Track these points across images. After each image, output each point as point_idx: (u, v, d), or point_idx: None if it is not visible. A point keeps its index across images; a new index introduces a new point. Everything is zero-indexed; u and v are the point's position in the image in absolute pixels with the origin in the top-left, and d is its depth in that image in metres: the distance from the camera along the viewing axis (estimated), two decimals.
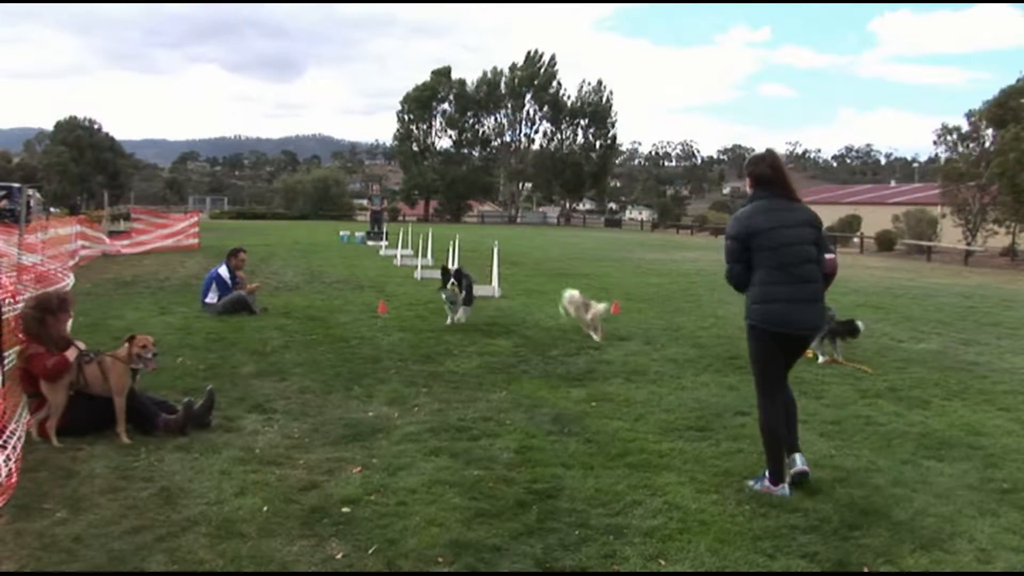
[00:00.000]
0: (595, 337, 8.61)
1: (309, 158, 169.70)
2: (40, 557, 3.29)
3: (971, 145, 33.37)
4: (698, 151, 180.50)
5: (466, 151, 70.38)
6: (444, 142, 70.48)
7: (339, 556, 3.38)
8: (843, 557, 3.49)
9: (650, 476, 4.39)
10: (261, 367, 6.92)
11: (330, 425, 5.23)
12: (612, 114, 70.12)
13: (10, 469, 3.88)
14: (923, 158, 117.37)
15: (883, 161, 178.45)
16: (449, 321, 9.44)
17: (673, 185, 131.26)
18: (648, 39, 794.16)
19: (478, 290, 12.33)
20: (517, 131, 71.16)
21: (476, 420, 5.42)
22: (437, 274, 13.49)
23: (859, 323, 8.08)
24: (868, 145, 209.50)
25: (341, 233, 29.02)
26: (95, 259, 17.70)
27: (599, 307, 8.83)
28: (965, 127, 33.53)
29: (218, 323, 9.08)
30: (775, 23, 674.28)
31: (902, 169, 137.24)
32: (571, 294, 9.15)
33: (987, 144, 32.35)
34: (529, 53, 69.94)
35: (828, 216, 27.88)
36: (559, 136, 70.75)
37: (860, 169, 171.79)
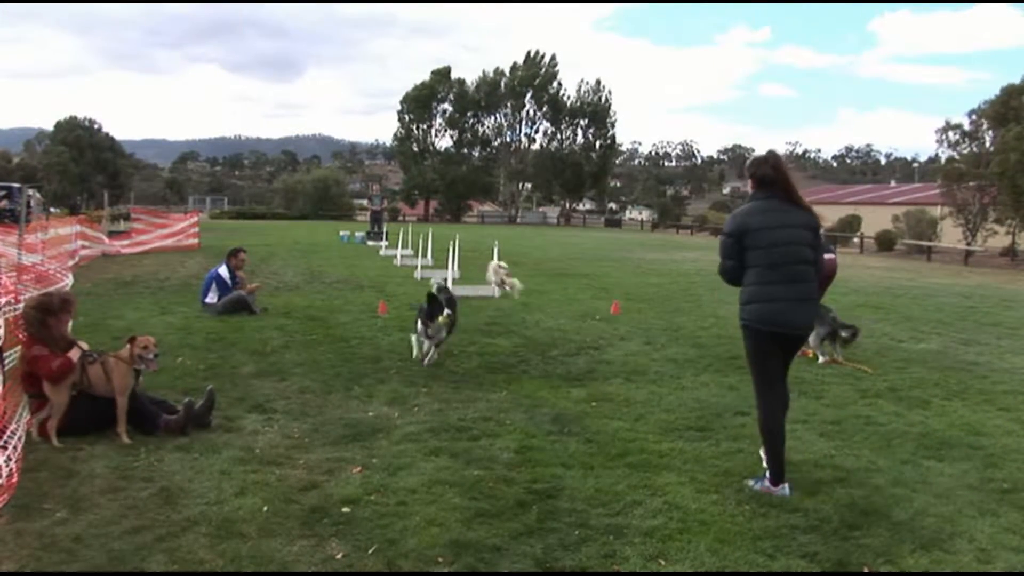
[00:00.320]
0: (513, 293, 11.66)
1: (309, 158, 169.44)
2: (40, 557, 3.29)
3: (972, 145, 33.39)
4: (698, 151, 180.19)
5: (466, 151, 70.30)
6: (444, 142, 70.53)
7: (339, 556, 3.38)
8: (843, 557, 3.49)
9: (650, 476, 4.40)
10: (261, 367, 6.92)
11: (330, 425, 5.24)
12: (612, 114, 70.15)
13: (11, 469, 3.88)
14: (923, 158, 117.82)
15: (883, 161, 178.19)
16: (416, 354, 7.25)
17: (673, 185, 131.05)
18: (648, 39, 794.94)
19: (478, 290, 12.38)
20: (517, 131, 71.19)
21: (476, 420, 5.42)
22: (437, 274, 13.63)
23: (845, 334, 7.88)
24: (868, 145, 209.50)
25: (341, 233, 29.02)
26: (95, 259, 17.70)
27: (516, 283, 11.82)
28: (967, 125, 33.61)
29: (218, 323, 9.09)
30: (775, 23, 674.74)
31: (902, 169, 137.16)
32: (495, 264, 12.13)
33: (987, 144, 32.38)
34: (529, 53, 69.97)
35: (828, 216, 27.82)
36: (559, 136, 70.71)
37: (860, 169, 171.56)
